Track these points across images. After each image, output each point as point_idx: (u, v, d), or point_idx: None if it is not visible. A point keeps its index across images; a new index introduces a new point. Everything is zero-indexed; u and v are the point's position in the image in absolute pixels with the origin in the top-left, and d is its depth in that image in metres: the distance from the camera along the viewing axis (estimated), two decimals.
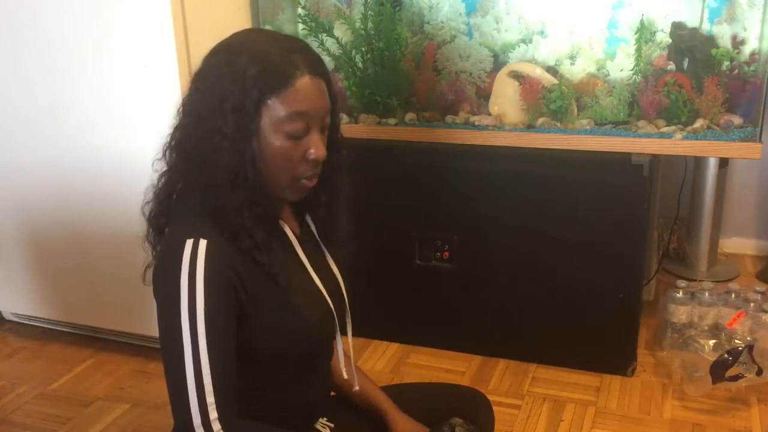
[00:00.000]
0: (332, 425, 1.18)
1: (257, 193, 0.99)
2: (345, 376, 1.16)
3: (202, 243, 0.94)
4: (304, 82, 0.96)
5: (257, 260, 0.98)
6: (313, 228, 1.15)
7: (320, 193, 1.09)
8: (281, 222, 1.07)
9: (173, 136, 1.03)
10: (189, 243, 0.94)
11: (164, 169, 1.04)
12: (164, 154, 1.04)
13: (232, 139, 0.95)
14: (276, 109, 0.95)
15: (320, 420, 1.17)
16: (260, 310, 0.99)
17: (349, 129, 2.18)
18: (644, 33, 1.89)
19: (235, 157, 0.95)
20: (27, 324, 2.49)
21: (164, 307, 0.95)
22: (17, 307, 2.48)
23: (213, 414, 0.88)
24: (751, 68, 1.85)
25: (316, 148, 0.99)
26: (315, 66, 0.99)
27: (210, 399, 0.88)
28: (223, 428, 0.87)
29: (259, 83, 0.94)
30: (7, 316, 2.52)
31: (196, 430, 0.87)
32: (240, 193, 0.96)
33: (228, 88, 0.95)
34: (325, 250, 1.15)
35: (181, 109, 1.02)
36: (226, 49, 0.99)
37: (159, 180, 1.05)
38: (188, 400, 0.89)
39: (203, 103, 0.97)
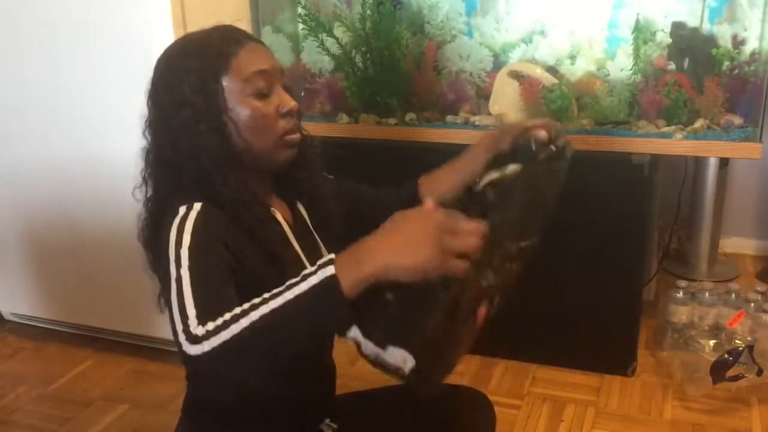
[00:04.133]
0: (336, 426, 1.18)
1: (245, 174, 1.01)
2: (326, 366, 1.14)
3: (197, 205, 0.96)
4: (249, 47, 1.02)
5: (258, 237, 0.99)
6: (305, 216, 1.16)
7: (298, 169, 1.11)
8: (273, 210, 1.08)
9: (147, 158, 1.05)
10: (183, 207, 0.96)
11: (149, 194, 1.05)
12: (144, 180, 1.05)
13: (206, 120, 0.98)
14: (234, 78, 1.00)
15: (325, 421, 1.17)
16: (253, 290, 0.98)
17: (349, 129, 2.20)
18: (642, 33, 1.89)
19: (215, 135, 0.99)
20: (27, 324, 2.49)
21: (160, 265, 0.95)
22: (17, 307, 2.47)
23: (193, 320, 0.83)
24: (752, 68, 1.85)
25: (285, 101, 1.03)
26: (252, 37, 1.06)
27: (191, 311, 0.83)
28: (199, 324, 0.81)
29: (210, 62, 0.99)
30: (7, 316, 2.52)
31: (180, 337, 0.82)
32: (230, 172, 0.99)
33: (184, 79, 0.99)
34: (318, 239, 1.16)
35: (146, 131, 1.05)
36: (168, 55, 1.04)
37: (146, 205, 1.06)
38: (173, 322, 0.85)
39: (166, 105, 1.00)
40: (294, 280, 0.82)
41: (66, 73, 2.02)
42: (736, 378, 1.86)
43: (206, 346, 0.79)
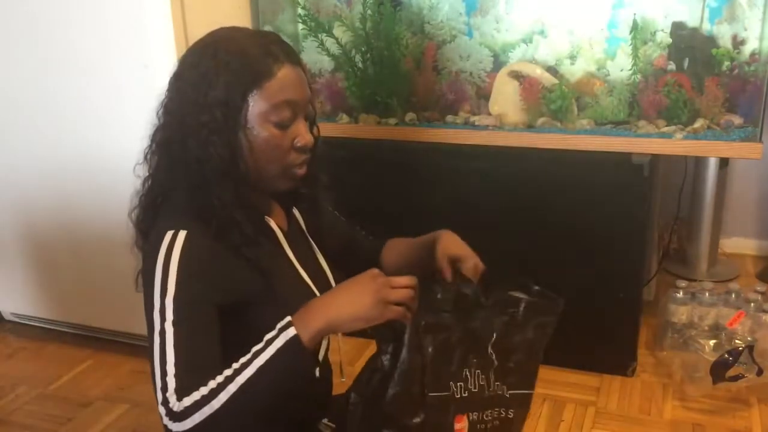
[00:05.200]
0: (334, 426, 1.18)
1: (245, 188, 1.00)
2: (317, 374, 1.13)
3: (182, 234, 0.95)
4: (286, 71, 0.99)
5: (245, 255, 0.98)
6: (301, 222, 1.16)
7: (301, 184, 1.10)
8: (267, 218, 1.08)
9: (154, 138, 1.03)
10: (169, 234, 0.95)
11: (148, 173, 1.05)
12: (146, 158, 1.05)
13: (220, 132, 0.96)
14: (262, 99, 0.97)
15: (323, 421, 1.17)
16: (247, 305, 0.99)
17: (349, 129, 2.21)
18: (640, 33, 1.89)
19: (226, 149, 0.97)
20: (27, 324, 2.49)
21: (145, 295, 0.96)
22: (17, 307, 2.47)
23: (172, 394, 0.87)
24: (752, 68, 1.85)
25: (302, 135, 1.01)
26: (292, 56, 1.01)
27: (170, 379, 0.88)
28: (177, 400, 0.86)
29: (243, 75, 0.96)
30: (7, 316, 2.52)
31: (159, 408, 0.87)
32: (229, 187, 0.98)
33: (212, 83, 0.96)
34: (313, 244, 1.16)
35: (161, 111, 1.02)
36: (204, 47, 1.00)
37: (143, 184, 1.06)
38: (154, 380, 0.90)
39: (186, 100, 0.98)
40: (259, 347, 0.89)
41: (66, 73, 2.02)
42: (736, 378, 1.86)
43: (188, 423, 0.85)
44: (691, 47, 1.88)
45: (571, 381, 2.05)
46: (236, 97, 0.96)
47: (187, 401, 0.86)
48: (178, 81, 1.00)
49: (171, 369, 0.88)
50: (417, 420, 0.98)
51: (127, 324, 2.24)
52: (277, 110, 0.98)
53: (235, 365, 0.88)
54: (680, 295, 2.12)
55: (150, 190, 1.05)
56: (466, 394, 1.02)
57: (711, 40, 1.87)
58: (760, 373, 1.86)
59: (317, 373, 1.03)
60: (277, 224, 1.09)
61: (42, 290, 2.36)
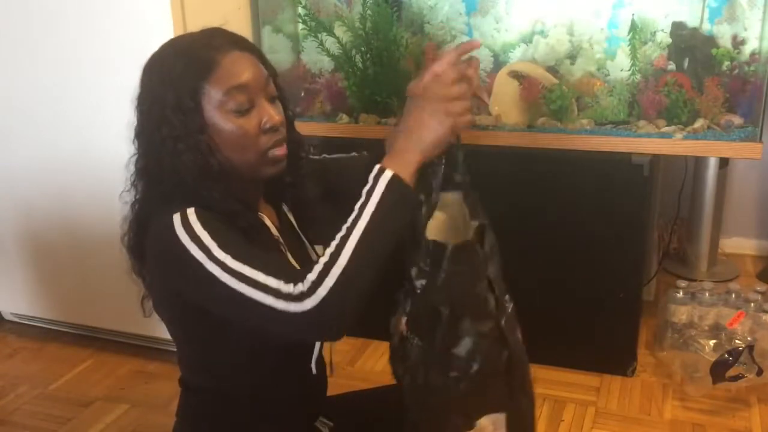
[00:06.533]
0: (332, 424, 1.18)
1: (231, 184, 0.99)
2: (314, 371, 1.10)
3: (190, 210, 0.93)
4: (231, 57, 0.97)
5: (253, 242, 0.97)
6: (291, 218, 1.16)
7: (284, 173, 1.08)
8: (261, 215, 1.07)
9: (135, 165, 1.03)
10: (177, 216, 0.93)
11: (134, 198, 1.04)
12: (133, 185, 1.04)
13: (185, 137, 0.95)
14: (213, 90, 0.96)
15: (320, 418, 1.17)
16: None
17: (349, 129, 2.20)
18: (638, 33, 1.89)
19: (196, 153, 0.96)
20: (27, 324, 2.49)
21: (190, 277, 0.91)
22: (17, 307, 2.48)
23: (279, 287, 0.85)
24: (752, 68, 1.85)
25: (268, 116, 0.99)
26: (237, 43, 1.00)
27: (270, 281, 0.86)
28: (294, 285, 0.85)
29: (188, 75, 0.96)
30: (7, 316, 2.52)
31: (279, 307, 0.85)
32: (215, 187, 0.97)
33: (163, 94, 0.96)
34: (304, 239, 1.16)
35: (134, 139, 1.02)
36: (151, 62, 1.02)
37: (132, 209, 1.05)
38: (254, 307, 0.86)
39: (147, 119, 0.99)
40: (362, 200, 0.89)
41: (66, 73, 2.02)
42: (736, 378, 1.86)
43: (322, 290, 0.84)
44: (691, 47, 1.88)
45: (571, 381, 2.05)
46: (188, 100, 0.95)
47: (311, 276, 0.85)
48: (137, 104, 1.01)
49: (262, 277, 0.86)
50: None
51: (128, 324, 2.24)
52: (231, 97, 0.96)
53: (346, 224, 0.88)
54: (680, 295, 2.12)
55: (138, 214, 1.04)
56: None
57: (711, 40, 1.88)
58: (760, 373, 1.86)
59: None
60: (270, 221, 1.08)
61: (42, 290, 2.36)
